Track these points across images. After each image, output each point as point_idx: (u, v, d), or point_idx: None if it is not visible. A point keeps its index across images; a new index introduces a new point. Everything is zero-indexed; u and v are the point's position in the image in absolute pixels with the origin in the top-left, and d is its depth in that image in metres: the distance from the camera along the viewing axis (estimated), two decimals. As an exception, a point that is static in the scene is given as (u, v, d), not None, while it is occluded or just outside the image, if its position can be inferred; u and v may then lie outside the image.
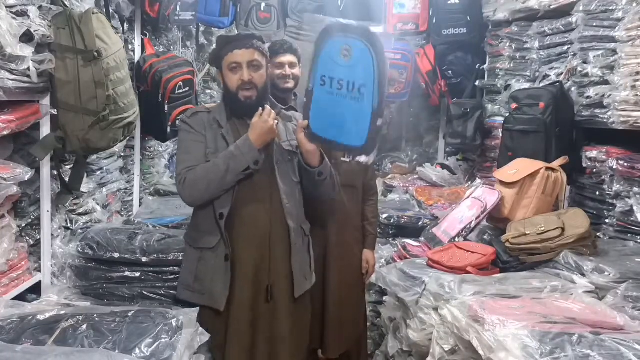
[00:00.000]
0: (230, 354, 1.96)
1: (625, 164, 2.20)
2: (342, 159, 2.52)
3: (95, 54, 1.95)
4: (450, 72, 3.77)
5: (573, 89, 2.58)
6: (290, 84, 2.71)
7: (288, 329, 2.00)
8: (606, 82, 2.32)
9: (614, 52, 2.28)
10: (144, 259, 2.17)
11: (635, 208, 2.17)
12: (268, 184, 1.97)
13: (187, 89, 2.93)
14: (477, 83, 3.68)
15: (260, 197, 1.96)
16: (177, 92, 2.85)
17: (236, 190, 1.93)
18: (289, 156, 2.02)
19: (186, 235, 2.08)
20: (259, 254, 1.97)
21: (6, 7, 1.69)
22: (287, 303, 2.00)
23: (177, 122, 2.06)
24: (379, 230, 2.87)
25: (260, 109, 1.92)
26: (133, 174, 3.04)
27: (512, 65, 3.24)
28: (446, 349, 1.75)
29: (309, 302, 2.15)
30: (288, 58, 2.65)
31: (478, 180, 3.54)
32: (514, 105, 2.78)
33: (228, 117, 2.00)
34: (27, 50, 1.74)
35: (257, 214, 1.96)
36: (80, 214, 2.38)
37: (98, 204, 2.52)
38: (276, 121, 1.92)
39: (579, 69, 2.50)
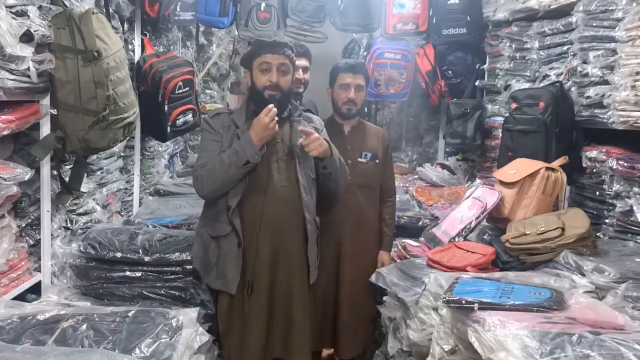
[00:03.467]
0: (248, 336, 2.09)
1: (625, 164, 2.20)
2: (359, 159, 2.55)
3: (95, 54, 1.95)
4: (450, 72, 3.76)
5: (573, 89, 2.58)
6: (301, 89, 2.73)
7: (302, 314, 2.17)
8: (606, 82, 2.32)
9: (614, 52, 2.28)
10: (146, 259, 2.17)
11: (635, 208, 2.16)
12: (287, 179, 2.13)
13: (187, 89, 2.93)
14: (477, 83, 3.67)
15: (274, 192, 2.11)
16: (177, 92, 2.85)
17: (247, 183, 2.07)
18: (308, 154, 2.15)
19: (204, 224, 2.17)
20: (274, 243, 2.11)
21: (6, 7, 1.69)
22: (303, 290, 2.18)
23: (201, 120, 2.24)
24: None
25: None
26: (133, 174, 3.04)
27: (512, 65, 3.24)
28: (446, 349, 1.75)
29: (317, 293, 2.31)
30: (302, 62, 2.67)
31: (478, 180, 3.54)
32: (513, 105, 2.78)
33: (247, 117, 2.14)
34: (27, 50, 1.74)
35: (271, 205, 2.11)
36: (80, 214, 2.38)
37: (98, 204, 2.52)
38: (276, 119, 2.03)
39: (579, 69, 2.50)
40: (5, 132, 1.72)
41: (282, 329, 2.14)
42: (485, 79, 3.63)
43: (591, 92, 2.39)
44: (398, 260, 2.56)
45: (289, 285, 2.14)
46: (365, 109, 4.57)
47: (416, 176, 4.01)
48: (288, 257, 2.14)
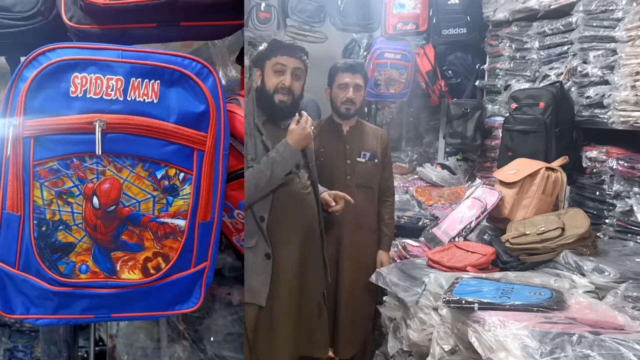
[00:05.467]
0: (277, 341, 2.10)
1: (625, 164, 2.20)
2: (358, 159, 2.55)
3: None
4: (450, 72, 3.77)
5: (573, 89, 2.58)
6: None
7: (324, 310, 2.28)
8: (606, 82, 2.32)
9: (614, 52, 2.28)
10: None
11: (635, 208, 2.17)
12: (306, 186, 2.13)
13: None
14: (477, 83, 3.68)
15: (300, 198, 2.11)
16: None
17: (275, 194, 2.04)
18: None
19: None
20: (300, 248, 2.12)
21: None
22: (323, 288, 2.28)
23: None
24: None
25: (297, 115, 2.00)
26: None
27: (512, 65, 3.24)
28: (446, 349, 1.75)
29: None
30: None
31: (478, 180, 3.54)
32: (513, 105, 2.78)
33: (264, 122, 2.06)
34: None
35: (297, 214, 2.10)
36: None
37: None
38: (312, 127, 2.02)
39: (579, 69, 2.50)
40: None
41: (307, 328, 2.19)
42: (485, 79, 3.62)
43: (591, 92, 2.39)
44: (398, 260, 2.56)
45: (315, 286, 2.21)
46: (365, 109, 4.56)
47: (416, 176, 4.00)
48: (313, 259, 2.19)
